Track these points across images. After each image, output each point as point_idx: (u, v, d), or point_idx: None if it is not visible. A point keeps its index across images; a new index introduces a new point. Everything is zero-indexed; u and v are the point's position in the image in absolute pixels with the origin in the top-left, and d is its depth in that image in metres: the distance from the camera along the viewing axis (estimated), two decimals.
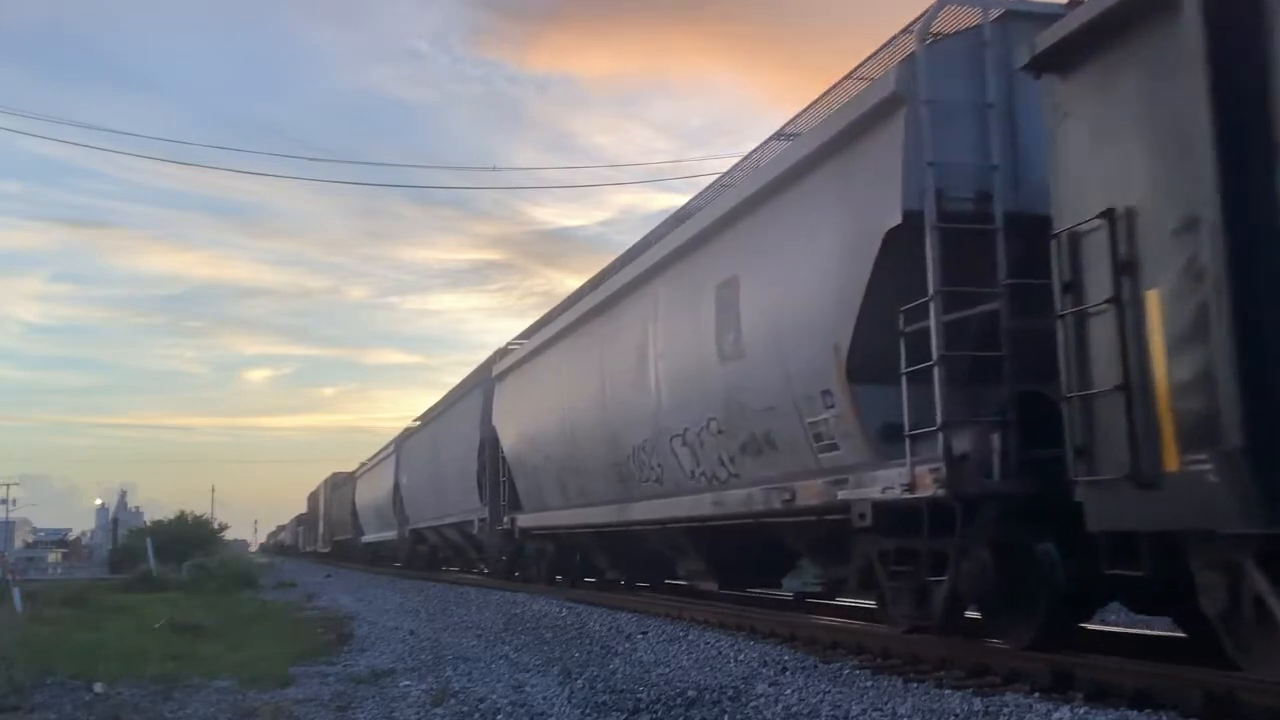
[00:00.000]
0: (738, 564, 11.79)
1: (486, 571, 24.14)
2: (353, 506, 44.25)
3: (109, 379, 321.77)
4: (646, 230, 13.84)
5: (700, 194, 12.00)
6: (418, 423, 31.45)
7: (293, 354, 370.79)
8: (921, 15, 7.38)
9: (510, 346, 19.73)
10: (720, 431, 9.98)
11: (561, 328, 15.38)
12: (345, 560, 47.54)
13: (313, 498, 66.15)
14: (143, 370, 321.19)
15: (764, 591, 13.41)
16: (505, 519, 18.64)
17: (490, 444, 19.77)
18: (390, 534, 34.72)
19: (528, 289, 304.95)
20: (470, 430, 21.70)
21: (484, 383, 20.79)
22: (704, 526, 11.16)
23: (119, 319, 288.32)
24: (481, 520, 20.74)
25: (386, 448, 37.07)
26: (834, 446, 8.11)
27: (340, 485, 50.73)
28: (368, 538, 40.89)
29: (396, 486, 32.27)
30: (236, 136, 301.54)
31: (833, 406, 7.94)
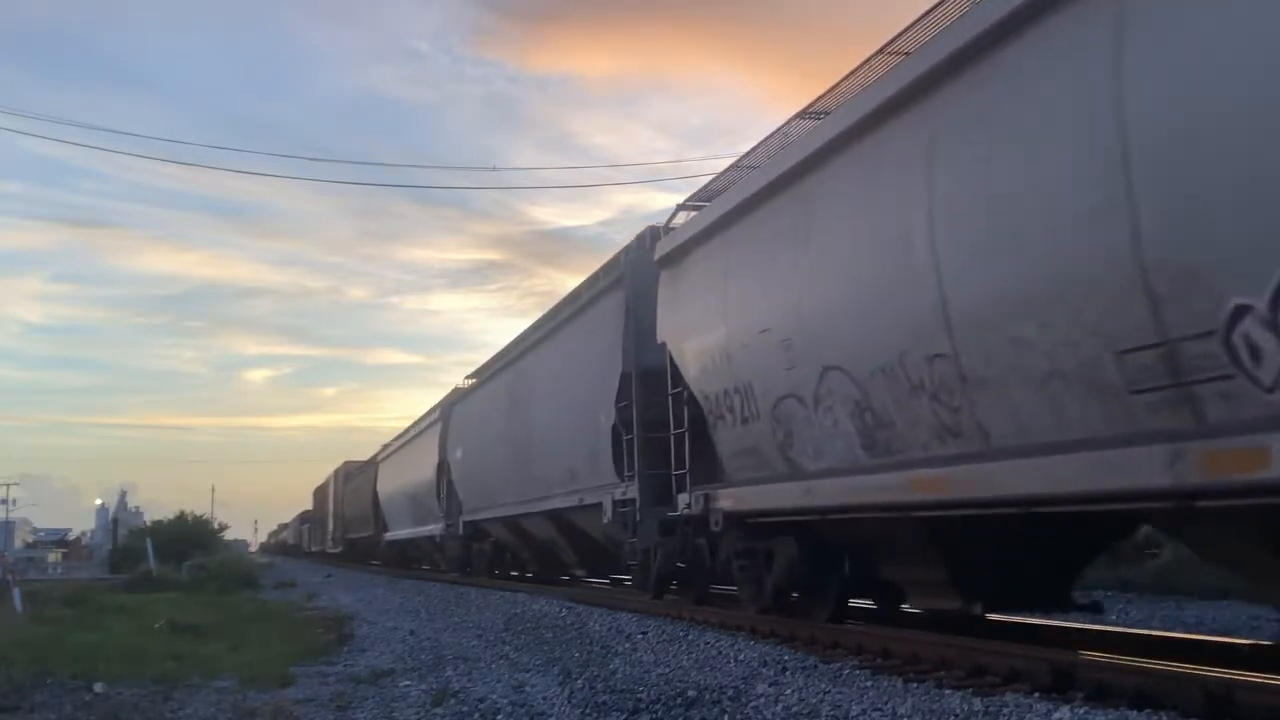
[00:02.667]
0: None
1: (625, 583, 16.09)
2: (373, 497, 37.10)
3: (109, 379, 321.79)
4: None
5: None
6: (471, 381, 24.58)
7: (293, 354, 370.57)
8: None
9: (688, 210, 11.67)
10: None
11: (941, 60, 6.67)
12: (362, 563, 43.10)
13: (320, 492, 59.93)
14: (143, 370, 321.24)
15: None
16: (686, 500, 11.08)
17: (646, 377, 12.43)
18: (430, 529, 27.36)
19: (528, 289, 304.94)
20: (599, 358, 14.00)
21: (633, 276, 13.13)
22: None
23: (119, 319, 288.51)
24: (622, 504, 13.17)
25: (426, 417, 29.37)
26: None
27: (355, 475, 44.49)
28: (394, 534, 34.06)
29: (443, 466, 25.17)
30: (236, 136, 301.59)
31: None
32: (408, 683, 7.98)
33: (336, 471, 50.61)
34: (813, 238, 8.25)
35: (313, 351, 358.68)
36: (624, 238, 25.14)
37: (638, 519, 12.69)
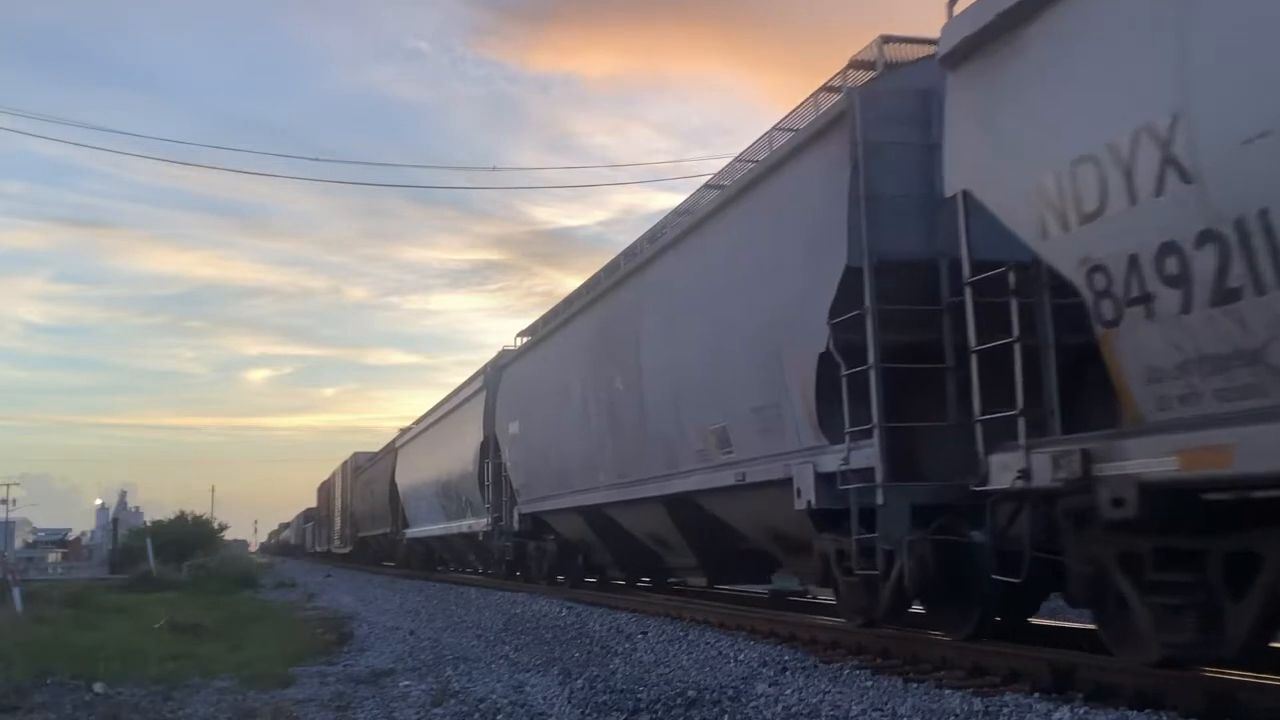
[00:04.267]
0: None
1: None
2: (391, 490, 32.43)
3: (109, 379, 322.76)
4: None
5: None
6: (522, 340, 19.11)
7: (293, 354, 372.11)
8: None
9: None
10: None
11: None
12: (375, 565, 38.93)
13: (325, 488, 55.63)
14: (143, 370, 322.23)
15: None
16: (1019, 463, 6.36)
17: (888, 273, 7.93)
18: (468, 524, 22.50)
19: (528, 289, 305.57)
20: (793, 250, 8.94)
21: (864, 112, 8.03)
22: None
23: (119, 319, 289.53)
24: (843, 477, 8.14)
25: (464, 388, 23.95)
26: None
27: (367, 467, 39.91)
28: (418, 531, 29.26)
29: (488, 447, 20.37)
30: (237, 136, 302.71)
31: None
32: (408, 683, 7.97)
33: (345, 464, 45.81)
34: None
35: (313, 351, 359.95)
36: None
37: (880, 502, 7.72)
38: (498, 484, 19.90)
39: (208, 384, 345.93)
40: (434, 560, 30.76)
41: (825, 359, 8.25)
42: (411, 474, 29.60)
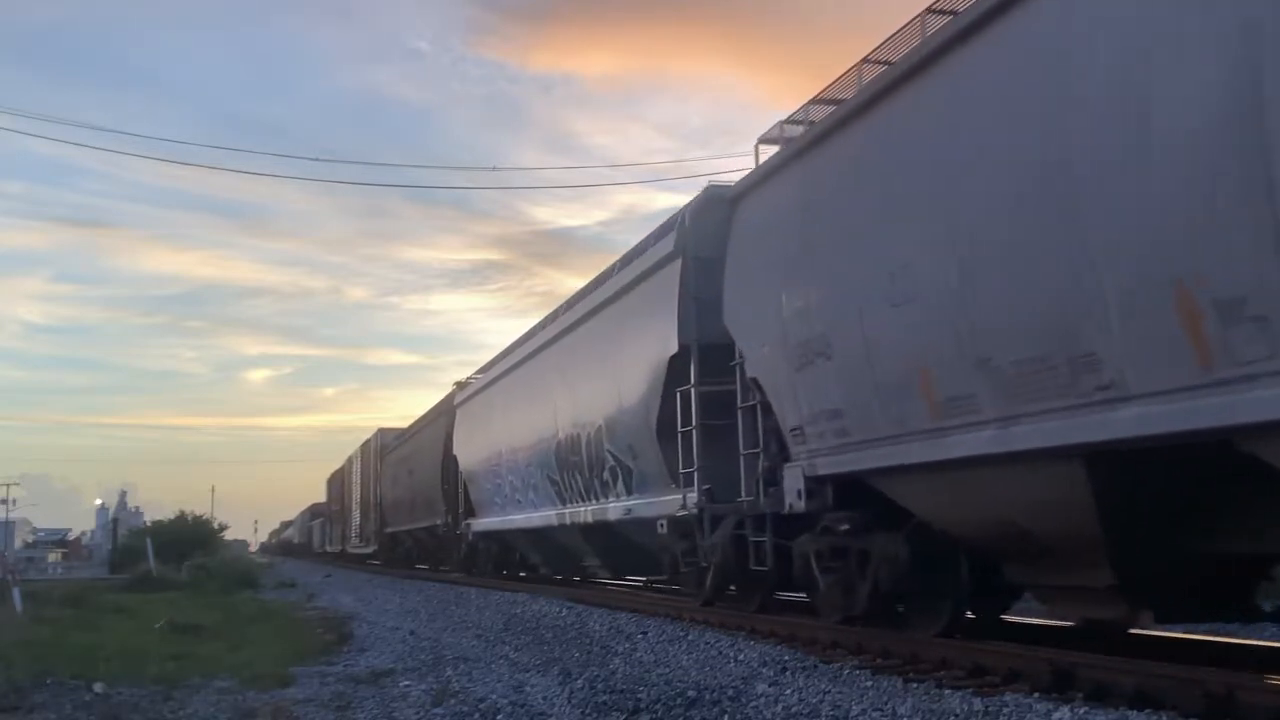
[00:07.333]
0: None
1: None
2: (443, 467, 23.79)
3: (109, 379, 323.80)
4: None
5: None
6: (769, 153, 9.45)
7: (293, 354, 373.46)
8: None
9: None
10: None
11: None
12: (410, 569, 30.85)
13: (337, 478, 47.02)
14: (143, 370, 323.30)
15: None
16: None
17: None
18: (629, 505, 13.23)
19: (528, 289, 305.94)
20: None
21: None
22: None
23: (119, 319, 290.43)
24: None
25: (628, 265, 13.32)
26: None
27: (398, 445, 31.90)
28: (496, 522, 20.16)
29: (687, 361, 11.09)
30: (238, 136, 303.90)
31: None
32: (408, 683, 7.97)
33: (366, 444, 37.53)
34: None
35: (313, 351, 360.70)
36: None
37: None
38: (715, 430, 10.70)
39: (208, 384, 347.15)
40: (514, 564, 21.30)
41: None
42: (485, 440, 20.35)
